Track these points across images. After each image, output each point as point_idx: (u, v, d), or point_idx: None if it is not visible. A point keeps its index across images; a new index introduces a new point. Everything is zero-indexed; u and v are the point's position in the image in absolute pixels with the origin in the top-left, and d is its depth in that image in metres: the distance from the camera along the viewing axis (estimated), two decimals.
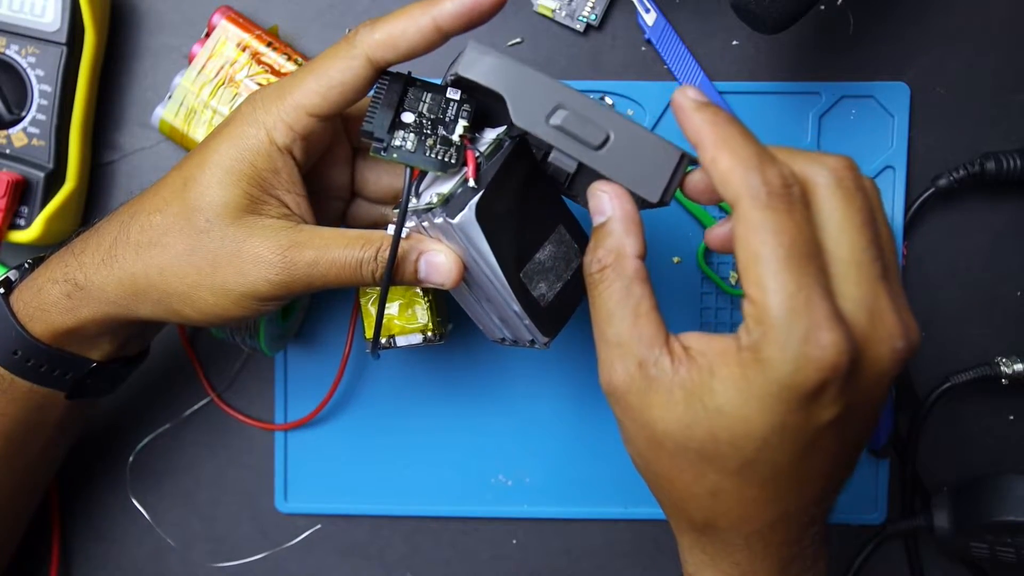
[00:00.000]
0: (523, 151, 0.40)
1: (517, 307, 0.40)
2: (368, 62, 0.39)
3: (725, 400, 0.32)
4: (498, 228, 0.38)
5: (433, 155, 0.40)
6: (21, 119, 0.49)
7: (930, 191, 0.53)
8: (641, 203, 0.37)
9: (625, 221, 0.36)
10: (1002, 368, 0.52)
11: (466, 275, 0.41)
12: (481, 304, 0.43)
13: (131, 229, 0.40)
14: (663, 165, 0.36)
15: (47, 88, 0.49)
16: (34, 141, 0.49)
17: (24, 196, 0.49)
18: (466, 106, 0.40)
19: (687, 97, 0.34)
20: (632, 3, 0.52)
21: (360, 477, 0.55)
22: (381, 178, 0.46)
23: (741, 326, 0.32)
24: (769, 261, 0.31)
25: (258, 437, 0.56)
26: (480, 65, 0.37)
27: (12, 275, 0.45)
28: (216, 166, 0.39)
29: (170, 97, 0.51)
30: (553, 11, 0.53)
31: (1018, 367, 0.52)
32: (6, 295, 0.43)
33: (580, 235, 0.42)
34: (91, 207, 0.54)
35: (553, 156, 0.38)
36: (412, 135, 0.40)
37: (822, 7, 0.53)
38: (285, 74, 0.50)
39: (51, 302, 0.41)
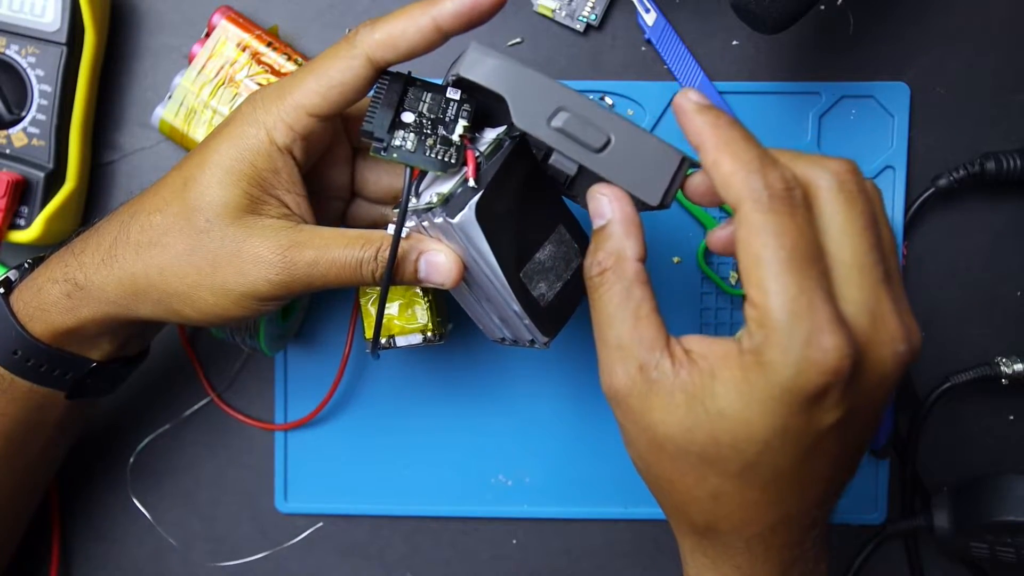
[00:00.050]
0: (523, 151, 0.39)
1: (517, 307, 0.40)
2: (368, 62, 0.38)
3: (727, 403, 0.32)
4: (498, 228, 0.38)
5: (433, 155, 0.40)
6: (21, 119, 0.49)
7: (930, 191, 0.53)
8: (641, 205, 0.37)
9: (625, 224, 0.36)
10: (1002, 368, 0.52)
11: (466, 275, 0.41)
12: (481, 304, 0.43)
13: (131, 229, 0.40)
14: (664, 168, 0.36)
15: (47, 88, 0.49)
16: (34, 141, 0.49)
17: (24, 196, 0.49)
18: (466, 106, 0.40)
19: (689, 100, 0.34)
20: (632, 3, 0.52)
21: (360, 477, 0.55)
22: (381, 178, 0.46)
23: (742, 329, 0.32)
24: (771, 264, 0.31)
25: (258, 437, 0.56)
26: (482, 66, 0.37)
27: (12, 275, 0.44)
28: (216, 166, 0.39)
29: (170, 97, 0.50)
30: (553, 11, 0.52)
31: (1018, 367, 0.52)
32: (6, 295, 0.43)
33: (580, 235, 0.42)
34: (91, 207, 0.54)
35: (554, 158, 0.38)
36: (412, 135, 0.40)
37: (822, 7, 0.53)
38: (285, 74, 0.50)
39: (51, 302, 0.41)
